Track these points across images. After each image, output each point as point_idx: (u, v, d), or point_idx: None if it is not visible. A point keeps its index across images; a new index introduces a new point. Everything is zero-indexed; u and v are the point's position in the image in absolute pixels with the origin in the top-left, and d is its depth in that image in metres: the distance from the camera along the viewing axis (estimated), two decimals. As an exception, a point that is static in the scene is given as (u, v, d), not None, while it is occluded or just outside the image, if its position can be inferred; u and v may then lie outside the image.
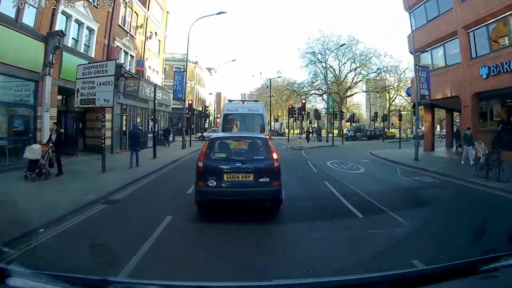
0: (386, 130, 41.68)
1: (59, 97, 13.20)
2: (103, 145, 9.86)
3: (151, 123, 22.59)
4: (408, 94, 21.81)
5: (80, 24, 14.05)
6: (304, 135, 29.80)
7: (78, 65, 10.52)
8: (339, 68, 45.00)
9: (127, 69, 17.86)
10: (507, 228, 3.31)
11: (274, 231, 4.92)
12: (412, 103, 20.48)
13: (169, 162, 12.83)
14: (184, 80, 21.13)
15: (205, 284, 1.79)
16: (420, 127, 54.53)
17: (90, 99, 9.83)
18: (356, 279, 1.50)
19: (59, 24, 12.30)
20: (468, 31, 15.70)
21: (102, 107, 9.80)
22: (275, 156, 5.46)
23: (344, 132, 33.38)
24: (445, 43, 17.51)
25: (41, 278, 1.36)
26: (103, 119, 9.94)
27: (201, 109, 40.66)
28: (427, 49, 17.79)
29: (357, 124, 40.22)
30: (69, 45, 13.17)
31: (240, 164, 5.22)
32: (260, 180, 5.21)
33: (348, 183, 8.46)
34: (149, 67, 22.21)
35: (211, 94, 53.75)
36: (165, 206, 5.97)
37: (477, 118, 15.55)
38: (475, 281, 1.42)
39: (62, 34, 11.21)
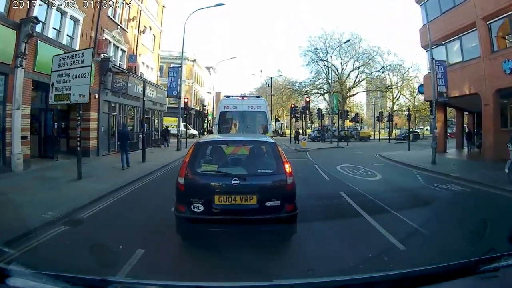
0: (359, 130, 40.69)
1: (37, 93, 11.83)
2: (78, 148, 8.45)
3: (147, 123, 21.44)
4: (420, 92, 20.39)
5: (62, 13, 12.66)
6: (305, 135, 28.35)
7: (54, 55, 9.13)
8: (342, 66, 43.80)
9: (118, 64, 16.48)
10: None
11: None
12: (426, 101, 19.12)
13: (158, 167, 11.34)
14: (180, 77, 19.75)
15: (205, 284, 1.75)
16: (421, 127, 53.22)
17: (64, 94, 8.45)
18: (356, 279, 1.46)
19: (38, 12, 10.90)
20: (488, 22, 14.38)
21: (78, 104, 8.39)
22: (288, 168, 3.93)
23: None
24: (461, 36, 16.14)
25: (41, 278, 1.35)
26: (79, 118, 8.54)
27: (198, 109, 39.31)
28: (443, 42, 16.37)
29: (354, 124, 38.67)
30: (50, 35, 11.78)
31: (238, 181, 3.71)
32: (267, 204, 3.70)
33: (367, 193, 7.04)
34: (143, 63, 20.81)
35: (210, 93, 52.39)
36: (138, 232, 4.50)
37: (499, 117, 14.25)
38: (475, 281, 1.39)
39: (36, 20, 9.81)
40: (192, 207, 3.68)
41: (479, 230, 3.94)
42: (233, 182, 3.71)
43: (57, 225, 4.97)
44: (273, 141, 4.44)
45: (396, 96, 47.59)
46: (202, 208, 3.67)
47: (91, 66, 7.91)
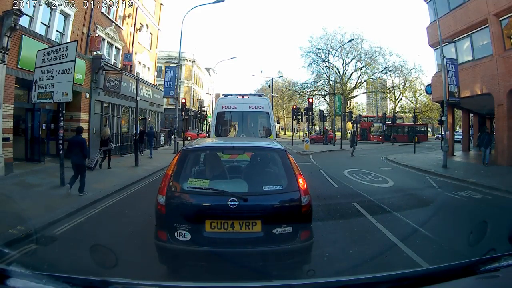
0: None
1: (23, 91, 11.06)
2: (61, 152, 7.69)
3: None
4: (428, 93, 19.62)
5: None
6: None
7: (38, 50, 8.41)
8: (343, 67, 43.19)
9: (112, 63, 15.74)
10: None
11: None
12: (435, 102, 18.29)
13: (152, 171, 10.49)
14: (177, 76, 19.02)
15: (205, 285, 1.72)
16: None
17: (47, 92, 7.71)
18: (356, 279, 1.43)
19: (25, 6, 10.18)
20: (500, 19, 13.70)
21: (61, 103, 7.64)
22: (302, 184, 3.03)
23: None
24: (472, 33, 15.45)
25: (41, 279, 1.32)
26: (61, 118, 7.78)
27: (197, 110, 38.60)
28: (453, 40, 15.66)
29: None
30: (37, 30, 11.03)
31: (236, 202, 2.83)
32: (276, 231, 2.82)
33: (383, 204, 6.26)
34: (139, 62, 20.08)
35: (209, 94, 51.72)
36: (118, 256, 3.71)
37: (513, 118, 13.50)
38: (475, 281, 1.36)
39: (19, 12, 9.05)
40: (176, 234, 2.81)
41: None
42: (230, 203, 2.81)
43: (25, 243, 4.21)
44: (282, 147, 3.49)
45: (398, 98, 46.97)
46: (189, 237, 2.79)
47: (75, 60, 7.16)
